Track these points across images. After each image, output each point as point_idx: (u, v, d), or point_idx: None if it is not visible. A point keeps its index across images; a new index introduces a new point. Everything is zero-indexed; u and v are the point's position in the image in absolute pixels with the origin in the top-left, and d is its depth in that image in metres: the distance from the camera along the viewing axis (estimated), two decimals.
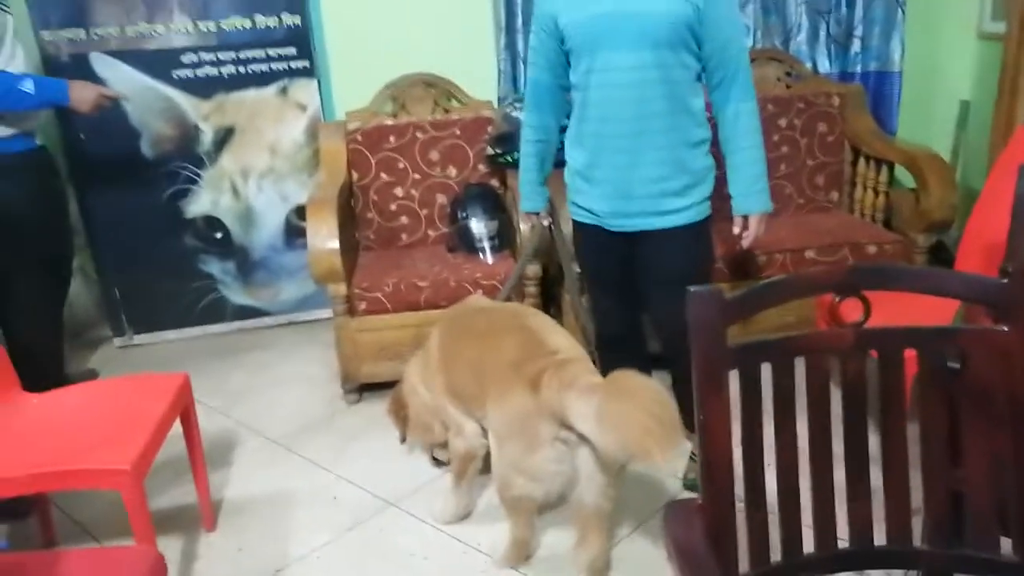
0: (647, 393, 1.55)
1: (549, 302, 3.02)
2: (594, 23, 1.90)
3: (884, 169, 3.08)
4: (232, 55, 3.18)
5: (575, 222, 2.17)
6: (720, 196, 2.07)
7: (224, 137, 3.28)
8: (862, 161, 3.17)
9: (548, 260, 2.78)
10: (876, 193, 3.10)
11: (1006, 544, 1.16)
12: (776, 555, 1.18)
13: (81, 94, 2.40)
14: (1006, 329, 1.12)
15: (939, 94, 3.40)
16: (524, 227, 2.57)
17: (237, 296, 3.48)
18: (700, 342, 1.11)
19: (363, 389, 2.87)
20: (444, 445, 2.23)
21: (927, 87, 3.44)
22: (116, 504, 1.74)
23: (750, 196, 2.02)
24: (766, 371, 1.14)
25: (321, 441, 2.62)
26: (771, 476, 1.16)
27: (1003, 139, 2.42)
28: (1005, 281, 1.12)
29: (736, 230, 2.07)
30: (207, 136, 3.27)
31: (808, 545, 1.19)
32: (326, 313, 3.51)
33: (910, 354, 1.16)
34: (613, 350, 2.25)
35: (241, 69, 3.20)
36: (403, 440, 2.41)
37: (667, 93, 1.91)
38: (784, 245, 2.84)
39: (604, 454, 1.66)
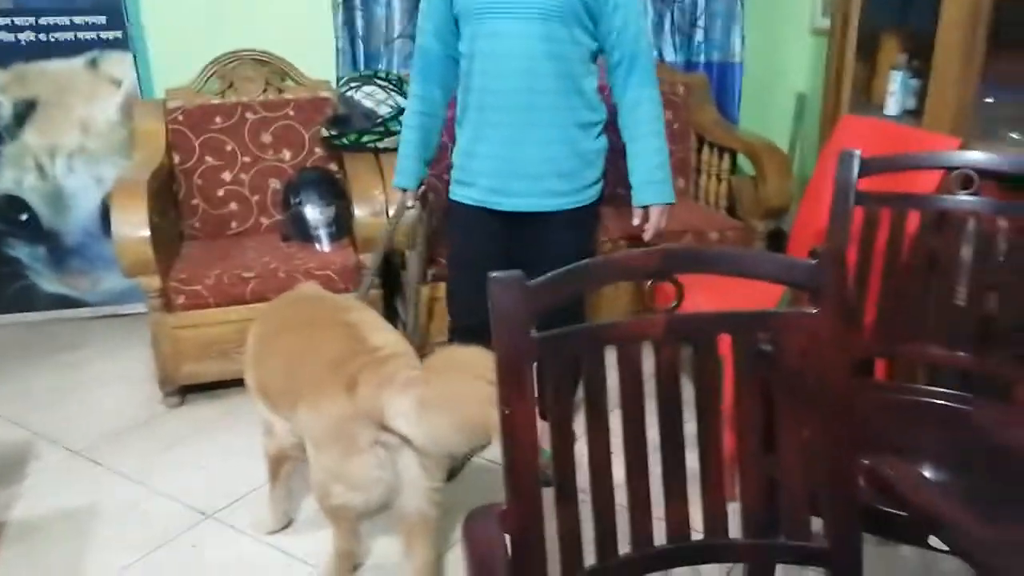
0: (475, 360, 1.45)
1: (392, 293, 2.88)
2: None
3: (727, 157, 3.13)
4: (30, 20, 2.83)
5: (452, 202, 2.04)
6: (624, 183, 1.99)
7: (25, 110, 2.93)
8: (706, 149, 3.21)
9: (391, 248, 2.63)
10: (719, 180, 3.15)
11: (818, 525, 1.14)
12: (591, 558, 1.10)
13: None
14: (815, 312, 1.08)
15: (777, 87, 3.50)
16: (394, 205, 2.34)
17: (49, 284, 3.15)
18: (502, 332, 1.01)
19: (186, 391, 2.63)
20: None
21: (766, 79, 3.53)
22: None
23: (650, 186, 1.94)
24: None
25: (134, 450, 2.36)
26: (581, 476, 1.08)
27: (830, 129, 2.48)
28: (815, 263, 1.08)
29: (636, 222, 1.99)
30: (5, 108, 2.92)
31: (624, 545, 1.12)
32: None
33: (724, 340, 1.10)
34: (468, 342, 2.12)
35: (43, 37, 2.86)
36: None
37: (556, 70, 1.82)
38: (628, 231, 2.82)
39: (428, 452, 1.55)
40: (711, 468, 1.13)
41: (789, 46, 3.47)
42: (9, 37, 2.83)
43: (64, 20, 2.86)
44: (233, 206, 2.97)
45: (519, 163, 1.89)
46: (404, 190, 2.14)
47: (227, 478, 2.22)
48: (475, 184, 1.96)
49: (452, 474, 2.17)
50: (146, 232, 2.36)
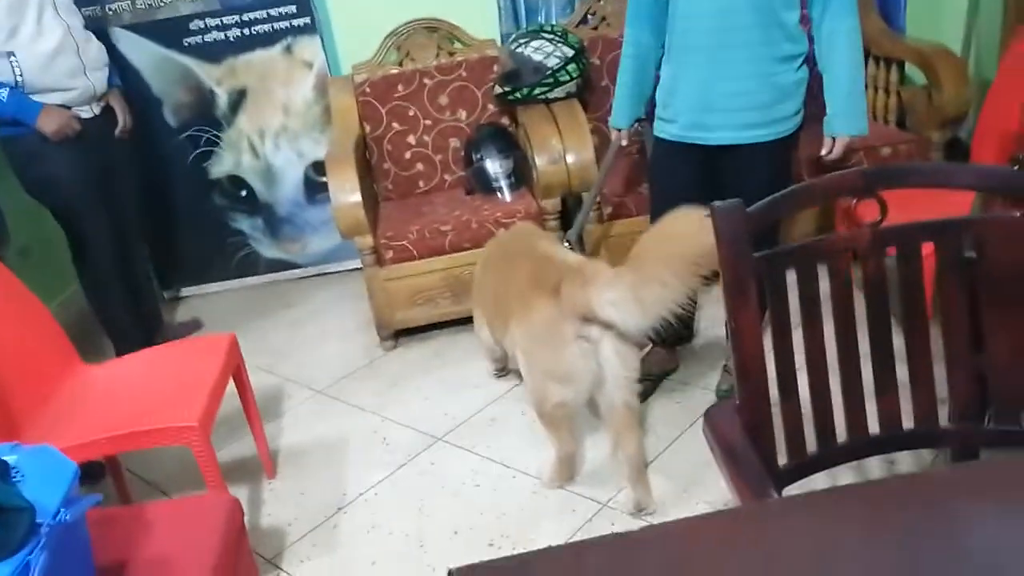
0: (675, 220, 1.69)
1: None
2: None
3: (894, 68, 3.06)
4: (236, 18, 3.21)
5: (656, 139, 2.18)
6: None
7: (238, 99, 3.34)
8: (872, 62, 3.14)
9: (568, 193, 2.82)
10: (888, 93, 3.09)
11: None
12: (811, 447, 1.26)
13: (48, 118, 2.48)
14: (1019, 215, 1.16)
15: None
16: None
17: (268, 250, 3.61)
18: (726, 254, 1.17)
19: (398, 335, 2.97)
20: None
21: None
22: (181, 461, 1.86)
23: (838, 117, 2.01)
24: (790, 277, 1.20)
25: (364, 388, 2.73)
26: (802, 378, 1.24)
27: (1011, 31, 2.40)
28: (1016, 168, 1.16)
29: (823, 151, 2.06)
30: (222, 99, 3.34)
31: (841, 435, 1.27)
32: (353, 264, 3.61)
33: (927, 248, 1.21)
34: None
35: (246, 31, 3.23)
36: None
37: (755, 5, 1.88)
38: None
39: (633, 333, 1.78)
40: (919, 365, 1.25)
41: None
42: (220, 36, 3.22)
43: (262, 14, 3.21)
44: (420, 167, 3.25)
45: (715, 98, 1.99)
46: (619, 130, 2.32)
47: (448, 407, 2.53)
48: (675, 120, 2.08)
49: (644, 395, 2.37)
50: (358, 197, 2.67)
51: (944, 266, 1.21)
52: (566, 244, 2.58)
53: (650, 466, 2.10)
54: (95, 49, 2.63)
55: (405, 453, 2.35)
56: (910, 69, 3.11)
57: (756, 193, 2.03)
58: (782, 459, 1.24)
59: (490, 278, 2.20)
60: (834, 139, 2.03)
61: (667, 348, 2.46)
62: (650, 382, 2.41)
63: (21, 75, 2.43)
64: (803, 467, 1.25)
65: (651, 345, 2.45)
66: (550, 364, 1.89)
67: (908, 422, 1.27)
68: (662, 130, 2.15)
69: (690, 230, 1.63)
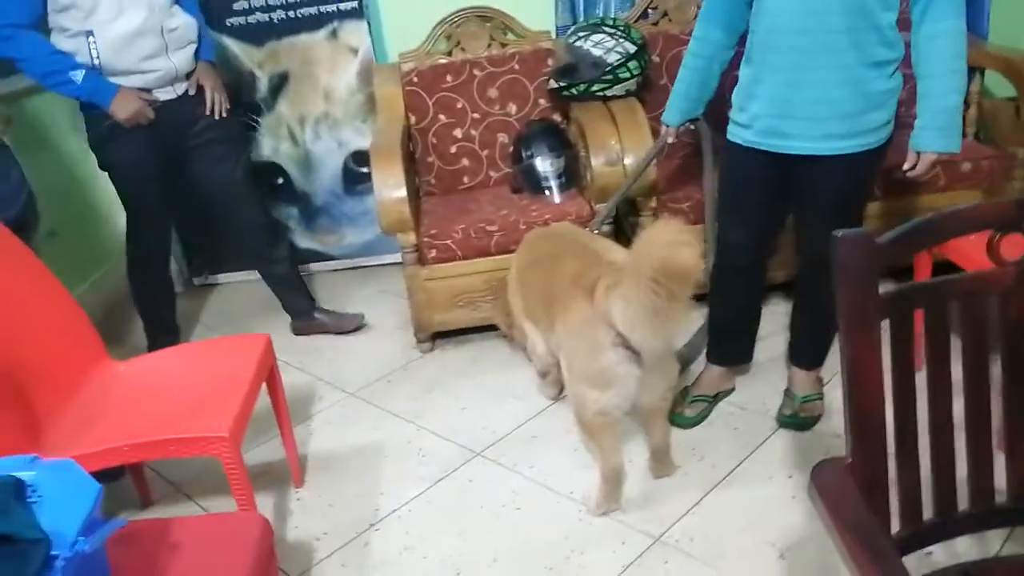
0: (655, 231, 1.60)
1: (618, 238, 2.92)
2: None
3: (976, 77, 2.87)
4: (281, 0, 3.06)
5: (729, 143, 2.04)
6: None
7: (279, 84, 3.21)
8: None
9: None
10: (967, 104, 2.89)
11: None
12: (928, 512, 1.10)
13: (122, 104, 2.40)
14: None
15: None
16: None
17: (303, 240, 3.49)
18: (848, 289, 1.02)
19: (435, 337, 2.83)
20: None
21: None
22: (208, 464, 1.74)
23: (929, 131, 1.81)
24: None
25: (399, 392, 2.59)
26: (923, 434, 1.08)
27: None
28: None
29: (906, 165, 1.87)
30: (263, 83, 3.21)
31: (963, 502, 1.11)
32: (389, 258, 3.50)
33: None
34: (731, 282, 2.17)
35: (291, 14, 3.10)
36: (512, 338, 2.57)
37: (848, 6, 1.72)
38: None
39: (642, 346, 1.69)
40: None
41: None
42: (264, 17, 3.08)
43: None
44: (465, 162, 3.11)
45: (796, 105, 1.83)
46: (668, 126, 2.20)
47: (488, 418, 2.39)
48: (752, 126, 1.93)
49: (700, 417, 2.26)
50: (403, 192, 2.54)
51: None
52: (594, 231, 2.44)
53: (706, 498, 1.95)
54: (182, 26, 2.50)
55: (442, 467, 2.21)
56: (990, 78, 2.92)
57: (834, 207, 1.92)
58: (895, 525, 1.09)
59: (538, 276, 2.07)
60: (919, 154, 1.84)
61: (723, 368, 2.30)
62: (705, 403, 2.27)
63: (98, 56, 2.35)
64: (919, 536, 1.09)
65: (706, 364, 2.31)
66: (587, 368, 1.81)
67: None
68: (736, 134, 2.00)
69: (655, 246, 1.54)
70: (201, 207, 2.85)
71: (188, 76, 2.57)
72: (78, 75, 2.32)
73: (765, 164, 1.94)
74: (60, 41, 2.34)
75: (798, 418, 2.15)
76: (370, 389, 2.63)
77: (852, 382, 1.03)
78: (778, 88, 1.85)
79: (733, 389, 2.36)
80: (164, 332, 2.82)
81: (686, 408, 2.24)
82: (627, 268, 1.63)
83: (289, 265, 2.93)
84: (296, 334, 3.00)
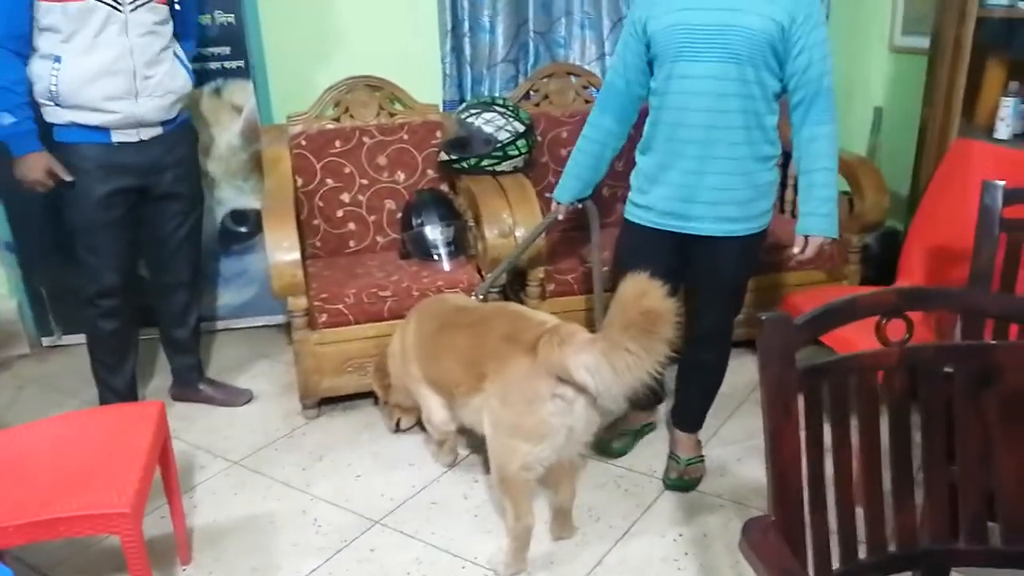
0: (627, 284, 1.74)
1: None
2: (681, 32, 1.96)
3: None
4: None
5: (627, 222, 2.22)
6: None
7: None
8: (792, 163, 3.33)
9: (514, 268, 2.78)
10: None
11: None
12: (836, 563, 1.25)
13: (27, 166, 2.32)
14: None
15: (855, 100, 3.64)
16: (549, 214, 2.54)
17: None
18: (771, 368, 1.16)
19: (321, 403, 2.79)
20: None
21: (845, 94, 3.66)
22: (76, 543, 1.63)
23: (814, 218, 2.06)
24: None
25: (287, 460, 2.52)
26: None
27: (932, 149, 2.63)
28: None
29: (795, 249, 2.11)
30: None
31: (861, 552, 1.27)
32: (265, 320, 3.41)
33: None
34: None
35: None
36: (384, 403, 2.62)
37: (742, 107, 1.96)
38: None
39: (605, 397, 1.79)
40: (936, 481, 1.27)
41: (868, 62, 3.61)
42: None
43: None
44: (351, 226, 3.12)
45: (700, 190, 2.05)
46: (559, 203, 2.37)
47: (384, 486, 2.37)
48: (654, 208, 2.13)
49: (624, 449, 2.49)
50: (297, 255, 2.52)
51: (961, 388, 1.25)
52: (478, 297, 2.56)
53: (607, 557, 2.04)
54: (166, 76, 2.41)
55: (340, 537, 2.17)
56: None
57: (725, 283, 2.18)
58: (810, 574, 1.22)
59: (452, 341, 2.12)
60: (807, 238, 2.10)
61: (641, 409, 2.51)
62: (628, 437, 2.49)
63: (56, 84, 2.26)
64: None
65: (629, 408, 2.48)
66: (521, 420, 1.87)
67: (924, 541, 1.28)
68: (635, 215, 2.19)
69: (628, 298, 1.70)
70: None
71: (169, 122, 2.49)
72: (8, 119, 2.24)
73: (663, 243, 2.14)
74: (33, 61, 2.28)
75: (683, 480, 2.32)
76: (255, 458, 2.54)
77: (774, 448, 1.17)
78: (684, 175, 2.06)
79: (654, 425, 2.59)
80: (115, 395, 2.66)
81: (615, 441, 2.47)
82: (610, 320, 1.74)
83: (194, 330, 2.83)
84: (175, 400, 2.85)
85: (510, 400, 1.89)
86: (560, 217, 2.45)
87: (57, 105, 2.30)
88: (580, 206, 2.45)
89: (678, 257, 2.15)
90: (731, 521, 2.16)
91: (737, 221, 2.07)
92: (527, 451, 1.87)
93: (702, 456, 2.38)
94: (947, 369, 1.25)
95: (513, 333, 1.92)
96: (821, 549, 1.22)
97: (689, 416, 2.36)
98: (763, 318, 1.16)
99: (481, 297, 2.57)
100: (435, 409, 2.27)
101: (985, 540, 1.29)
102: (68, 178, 2.36)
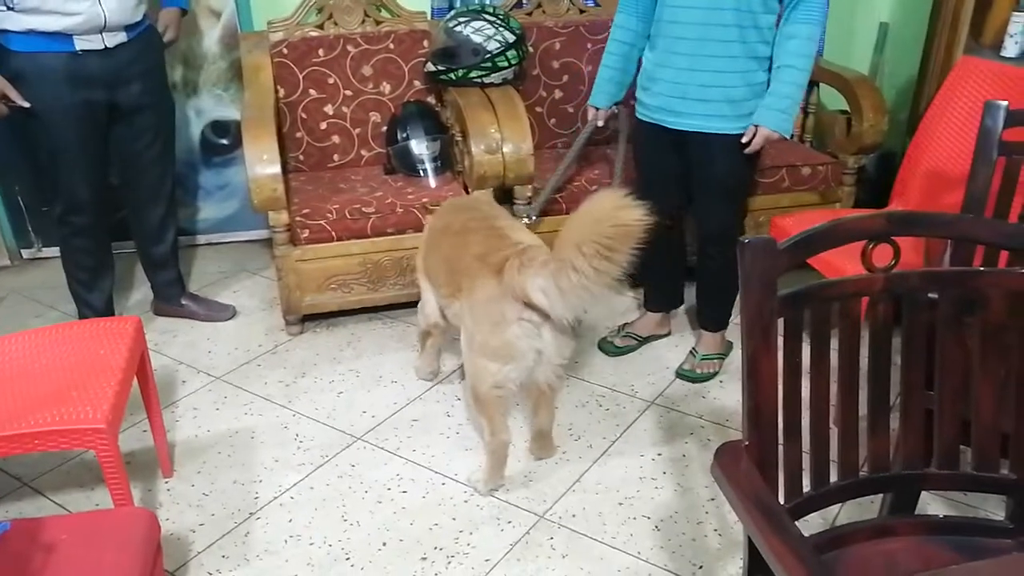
0: (598, 196, 1.70)
1: None
2: None
3: (813, 90, 3.17)
4: None
5: (638, 120, 2.31)
6: None
7: None
8: None
9: (502, 185, 2.71)
10: (805, 113, 3.20)
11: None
12: (807, 486, 1.24)
13: None
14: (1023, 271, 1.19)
15: (859, 15, 3.50)
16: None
17: None
18: (752, 292, 1.12)
19: (305, 320, 2.77)
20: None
21: (849, 7, 3.52)
22: (51, 454, 1.62)
23: (769, 112, 2.09)
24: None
25: (270, 376, 2.52)
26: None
27: (936, 67, 2.53)
28: None
29: (745, 138, 2.13)
30: None
31: (833, 475, 1.26)
32: (249, 235, 3.36)
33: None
34: (660, 242, 2.28)
35: None
36: None
37: (735, 5, 2.00)
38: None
39: (563, 318, 1.78)
40: (914, 407, 1.26)
41: None
42: None
43: None
44: (335, 139, 3.04)
45: (692, 87, 2.11)
46: (597, 108, 2.40)
47: (365, 403, 2.38)
48: (652, 104, 2.21)
49: (627, 350, 2.57)
50: (277, 169, 2.45)
51: (946, 316, 1.22)
52: (525, 221, 2.54)
53: (585, 475, 2.06)
54: None
55: (322, 453, 2.18)
56: (824, 92, 3.23)
57: (722, 185, 2.21)
58: (780, 498, 1.22)
59: (444, 245, 2.10)
60: (756, 128, 2.10)
61: (658, 315, 2.59)
62: (635, 341, 2.57)
63: None
64: (800, 506, 1.23)
65: (643, 312, 2.62)
66: (489, 341, 1.87)
67: (897, 465, 1.28)
68: (639, 112, 2.29)
69: (604, 210, 1.65)
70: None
71: (133, 27, 2.35)
72: None
73: (663, 139, 2.20)
74: None
75: (693, 372, 2.43)
76: (238, 373, 2.54)
77: (751, 374, 1.14)
78: (679, 71, 2.11)
79: (669, 334, 2.64)
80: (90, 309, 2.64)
81: (617, 339, 2.56)
82: (566, 236, 1.69)
83: (172, 245, 2.77)
84: (156, 314, 2.83)
85: (478, 320, 1.89)
86: (601, 123, 2.46)
87: (11, 9, 2.16)
88: (615, 110, 2.46)
89: (679, 157, 2.23)
90: (710, 442, 2.18)
91: (729, 119, 2.11)
92: (496, 370, 1.87)
93: (722, 354, 2.48)
94: (932, 295, 1.22)
95: (485, 253, 1.89)
96: (793, 473, 1.22)
97: (708, 315, 2.46)
98: (745, 242, 1.12)
99: (532, 219, 2.61)
100: (428, 300, 2.28)
101: (957, 466, 1.29)
102: (24, 104, 2.25)
